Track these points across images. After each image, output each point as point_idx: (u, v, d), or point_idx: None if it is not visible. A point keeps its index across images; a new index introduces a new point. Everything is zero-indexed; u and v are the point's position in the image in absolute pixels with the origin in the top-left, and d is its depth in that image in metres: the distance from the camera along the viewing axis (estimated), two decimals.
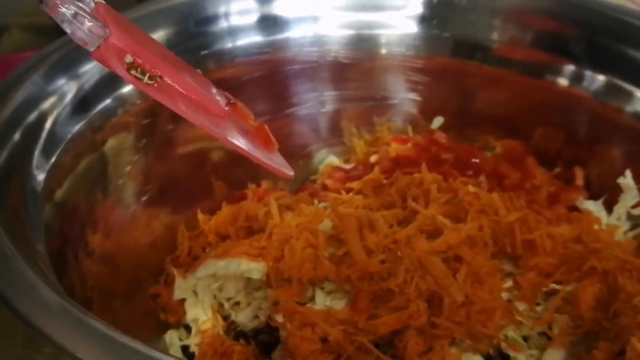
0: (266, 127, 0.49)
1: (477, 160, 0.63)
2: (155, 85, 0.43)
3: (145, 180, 0.56)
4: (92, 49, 0.41)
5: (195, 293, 0.54)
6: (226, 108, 0.47)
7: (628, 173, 0.59)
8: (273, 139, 0.49)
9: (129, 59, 0.41)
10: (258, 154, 0.47)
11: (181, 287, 0.54)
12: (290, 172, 0.49)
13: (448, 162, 0.62)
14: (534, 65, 0.62)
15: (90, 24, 0.40)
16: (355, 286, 0.50)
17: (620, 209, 0.59)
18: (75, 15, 0.40)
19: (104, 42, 0.41)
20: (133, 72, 0.42)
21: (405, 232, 0.51)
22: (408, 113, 0.68)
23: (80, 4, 0.40)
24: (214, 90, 0.47)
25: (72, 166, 0.48)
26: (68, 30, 0.40)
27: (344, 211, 0.54)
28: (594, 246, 0.52)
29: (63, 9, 0.40)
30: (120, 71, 0.41)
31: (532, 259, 0.52)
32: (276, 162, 0.49)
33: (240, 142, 0.46)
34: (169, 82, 0.43)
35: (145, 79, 0.42)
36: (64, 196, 0.47)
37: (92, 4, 0.41)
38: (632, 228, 0.59)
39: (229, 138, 0.46)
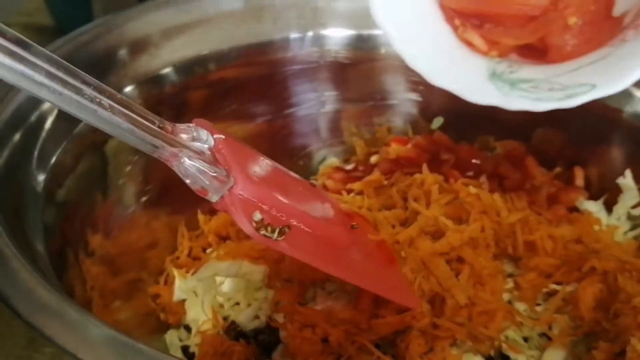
0: (387, 242, 0.47)
1: (477, 161, 0.63)
2: (283, 238, 0.39)
3: (145, 180, 0.56)
4: (214, 200, 0.37)
5: (195, 293, 0.54)
6: (351, 226, 0.44)
7: (628, 173, 0.59)
8: (394, 254, 0.47)
9: (257, 216, 0.37)
10: (380, 287, 0.44)
11: (181, 288, 0.54)
12: (416, 305, 0.46)
13: (449, 163, 0.62)
14: None
15: (213, 174, 0.36)
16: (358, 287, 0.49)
17: (620, 209, 0.59)
18: (198, 169, 0.36)
19: (228, 192, 0.37)
20: (262, 231, 0.38)
21: (408, 232, 0.51)
22: (408, 113, 0.68)
23: (199, 144, 0.36)
24: (338, 212, 0.43)
25: (72, 166, 0.48)
26: (187, 181, 0.36)
27: None
28: (594, 247, 0.53)
29: (186, 165, 0.35)
30: (248, 229, 0.37)
31: (533, 259, 0.52)
32: (400, 289, 0.45)
33: (362, 278, 0.44)
34: (295, 223, 0.40)
35: (275, 235, 0.38)
36: (64, 196, 0.47)
37: (211, 141, 0.37)
38: (632, 228, 0.59)
39: (352, 275, 0.43)
